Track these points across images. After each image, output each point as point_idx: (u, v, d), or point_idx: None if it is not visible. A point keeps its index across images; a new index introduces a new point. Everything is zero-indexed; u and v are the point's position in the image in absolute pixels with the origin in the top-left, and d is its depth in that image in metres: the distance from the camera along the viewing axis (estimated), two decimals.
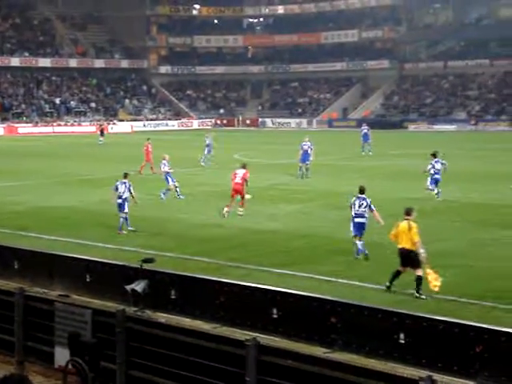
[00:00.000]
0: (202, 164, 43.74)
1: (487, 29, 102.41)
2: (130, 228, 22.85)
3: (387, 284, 15.44)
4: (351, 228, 18.62)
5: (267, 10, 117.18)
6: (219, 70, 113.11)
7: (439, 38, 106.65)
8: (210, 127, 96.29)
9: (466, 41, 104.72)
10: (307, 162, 37.48)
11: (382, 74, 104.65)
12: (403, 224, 15.36)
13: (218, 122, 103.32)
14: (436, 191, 28.58)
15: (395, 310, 12.33)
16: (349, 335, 11.96)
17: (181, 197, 29.97)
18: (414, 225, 15.20)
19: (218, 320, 13.35)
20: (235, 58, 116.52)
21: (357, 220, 18.47)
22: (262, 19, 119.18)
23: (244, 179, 25.91)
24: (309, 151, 37.87)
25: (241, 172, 26.10)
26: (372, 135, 52.57)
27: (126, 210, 22.97)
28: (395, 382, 8.67)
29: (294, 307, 12.79)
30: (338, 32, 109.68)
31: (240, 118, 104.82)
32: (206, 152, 44.49)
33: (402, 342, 11.39)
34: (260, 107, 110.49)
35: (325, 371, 8.99)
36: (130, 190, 23.14)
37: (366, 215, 18.35)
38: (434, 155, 29.43)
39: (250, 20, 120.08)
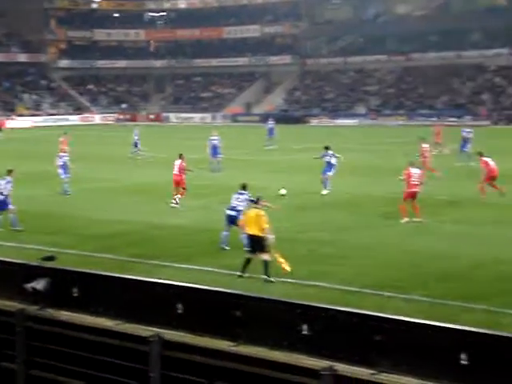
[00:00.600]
0: (138, 157, 44.52)
1: (385, 25, 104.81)
2: (16, 227, 22.22)
3: (239, 273, 16.23)
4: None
5: (169, 4, 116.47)
6: (121, 64, 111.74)
7: (339, 33, 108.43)
8: (112, 122, 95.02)
9: (365, 37, 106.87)
10: (218, 156, 37.74)
11: (285, 69, 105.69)
12: (251, 212, 16.36)
13: (121, 116, 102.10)
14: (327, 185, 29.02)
15: (299, 301, 12.48)
16: (253, 328, 12.02)
17: (68, 192, 29.52)
18: (261, 212, 16.26)
19: (122, 317, 13.18)
20: (137, 52, 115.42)
21: (228, 212, 19.08)
22: (163, 13, 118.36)
23: (181, 169, 26.17)
24: (218, 145, 38.14)
25: (177, 163, 26.37)
26: (276, 130, 53.15)
27: (11, 206, 22.45)
28: (298, 372, 8.79)
29: (198, 301, 12.76)
30: (240, 27, 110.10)
31: (143, 113, 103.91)
32: (134, 146, 45.51)
33: (305, 333, 11.52)
34: (163, 102, 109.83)
35: (230, 365, 9.03)
36: (8, 187, 22.55)
37: (240, 209, 18.55)
38: (327, 148, 30.06)
39: (152, 14, 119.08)
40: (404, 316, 11.36)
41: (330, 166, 29.41)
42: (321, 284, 15.61)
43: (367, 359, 10.50)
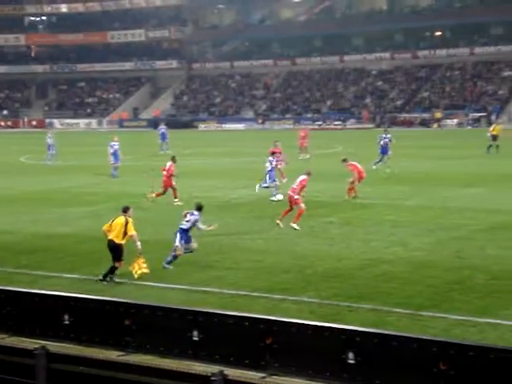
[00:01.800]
0: (49, 163, 44.20)
1: (270, 29, 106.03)
2: None
3: (100, 277, 16.36)
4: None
5: (50, 8, 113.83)
6: (1, 69, 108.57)
7: (225, 38, 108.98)
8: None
9: (251, 41, 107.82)
10: (118, 163, 37.66)
11: (171, 73, 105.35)
12: (119, 219, 16.51)
13: (2, 123, 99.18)
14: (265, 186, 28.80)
15: (189, 308, 12.44)
16: (143, 336, 11.89)
17: None
18: (130, 220, 16.53)
19: (6, 330, 12.80)
20: (17, 57, 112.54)
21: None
22: (44, 18, 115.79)
23: (169, 172, 27.95)
24: (118, 151, 37.98)
25: (168, 165, 28.46)
26: (168, 135, 53.21)
27: None
28: (189, 379, 8.75)
29: (86, 311, 12.53)
30: (125, 31, 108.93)
31: (25, 120, 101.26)
32: (49, 151, 45.18)
33: (196, 339, 11.49)
34: (46, 108, 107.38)
35: (118, 374, 8.90)
36: None
37: (184, 227, 17.87)
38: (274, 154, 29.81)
39: (32, 18, 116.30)
40: (293, 318, 11.50)
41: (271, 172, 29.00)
42: (211, 289, 15.61)
43: (258, 362, 10.56)
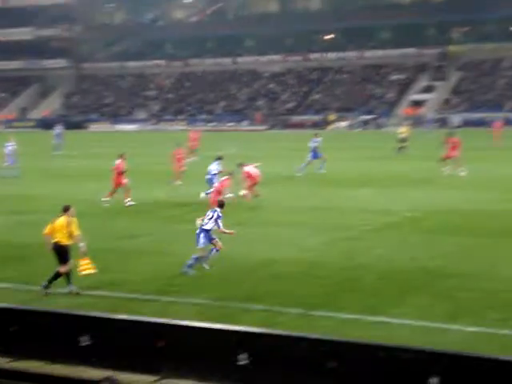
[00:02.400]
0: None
1: (162, 30, 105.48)
2: None
3: (45, 284, 15.43)
4: None
5: None
6: None
7: (116, 37, 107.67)
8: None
9: (143, 41, 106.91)
10: (15, 164, 37.11)
11: (61, 73, 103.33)
12: (61, 220, 15.66)
13: None
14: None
15: (79, 313, 12.23)
16: (30, 343, 11.59)
17: None
18: (72, 219, 15.71)
19: None
20: None
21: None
22: None
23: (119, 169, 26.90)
24: (14, 152, 37.48)
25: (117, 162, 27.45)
26: (63, 135, 52.50)
27: None
28: None
29: None
30: (11, 30, 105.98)
31: None
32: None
33: (87, 344, 11.28)
34: None
35: (5, 382, 8.62)
36: None
37: (207, 228, 16.99)
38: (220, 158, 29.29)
39: None
40: (185, 320, 11.45)
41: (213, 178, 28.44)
42: (101, 293, 15.34)
43: (149, 366, 10.46)
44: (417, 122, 75.73)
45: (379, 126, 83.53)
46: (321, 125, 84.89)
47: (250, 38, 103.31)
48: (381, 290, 15.14)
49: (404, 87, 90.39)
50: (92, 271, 15.62)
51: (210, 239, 17.02)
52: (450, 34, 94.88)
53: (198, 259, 16.92)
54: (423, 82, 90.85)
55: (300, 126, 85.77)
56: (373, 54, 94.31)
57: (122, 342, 10.96)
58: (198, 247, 16.92)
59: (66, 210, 15.88)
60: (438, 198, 27.79)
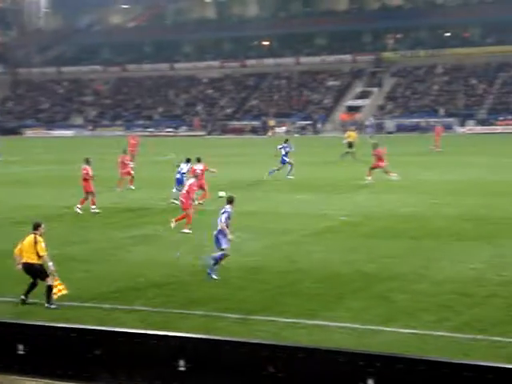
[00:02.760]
0: None
1: (98, 35, 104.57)
2: None
3: (22, 297, 14.99)
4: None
5: None
6: None
7: (51, 43, 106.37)
8: None
9: (79, 46, 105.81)
10: None
11: None
12: (29, 238, 15.10)
13: None
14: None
15: (14, 321, 12.07)
16: None
17: None
18: (40, 239, 15.05)
19: None
20: None
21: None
22: None
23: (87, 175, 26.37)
24: None
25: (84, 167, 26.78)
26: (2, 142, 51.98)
27: None
28: None
29: None
30: None
31: None
32: None
33: (22, 352, 11.13)
34: None
35: None
36: None
37: (219, 227, 16.93)
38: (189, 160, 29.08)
39: None
40: (123, 327, 11.38)
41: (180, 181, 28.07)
42: (40, 301, 15.10)
43: (86, 374, 10.36)
44: (358, 127, 76.68)
45: (316, 132, 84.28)
46: (259, 130, 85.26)
47: (187, 44, 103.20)
48: (319, 294, 15.27)
49: (340, 93, 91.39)
50: (64, 292, 14.94)
51: (224, 237, 16.76)
52: (384, 41, 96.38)
53: (221, 258, 16.71)
54: (359, 87, 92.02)
55: (239, 131, 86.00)
56: (309, 60, 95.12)
57: (59, 351, 10.84)
58: (222, 247, 16.70)
59: (35, 227, 15.26)
60: (374, 202, 28.16)
